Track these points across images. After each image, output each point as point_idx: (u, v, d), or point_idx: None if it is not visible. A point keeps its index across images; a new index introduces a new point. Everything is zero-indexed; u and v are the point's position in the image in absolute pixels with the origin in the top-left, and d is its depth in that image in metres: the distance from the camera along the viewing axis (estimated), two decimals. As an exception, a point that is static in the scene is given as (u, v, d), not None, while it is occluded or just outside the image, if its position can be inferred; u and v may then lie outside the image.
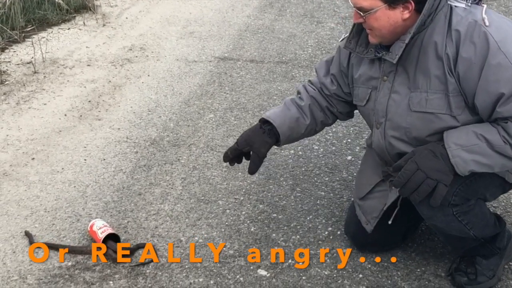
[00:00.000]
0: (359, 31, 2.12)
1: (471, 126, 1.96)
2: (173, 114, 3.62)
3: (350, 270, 2.31)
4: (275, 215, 2.65)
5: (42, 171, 3.00)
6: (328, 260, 2.36)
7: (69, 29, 5.16)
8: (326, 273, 2.29)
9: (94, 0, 5.75)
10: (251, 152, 2.31)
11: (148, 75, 4.21)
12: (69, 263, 2.35)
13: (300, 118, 2.36)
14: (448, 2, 1.97)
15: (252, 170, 2.31)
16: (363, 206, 2.33)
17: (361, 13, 1.99)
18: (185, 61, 4.48)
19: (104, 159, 3.11)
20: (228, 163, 2.36)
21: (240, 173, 2.95)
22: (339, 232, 2.52)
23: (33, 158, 3.11)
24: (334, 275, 2.28)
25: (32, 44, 4.62)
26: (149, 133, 3.38)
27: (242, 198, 2.77)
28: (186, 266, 2.33)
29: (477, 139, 1.91)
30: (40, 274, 2.29)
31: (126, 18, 5.50)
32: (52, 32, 5.05)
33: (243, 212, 2.67)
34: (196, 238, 2.49)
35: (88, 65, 4.37)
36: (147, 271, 2.30)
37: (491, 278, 2.20)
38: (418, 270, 2.30)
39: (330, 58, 2.38)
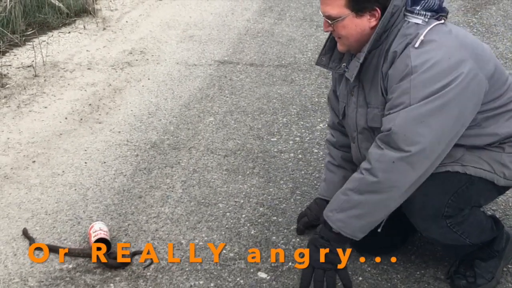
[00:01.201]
0: (331, 47, 2.16)
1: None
2: (173, 117, 3.63)
3: (350, 272, 2.30)
4: (275, 218, 2.66)
5: (42, 174, 3.01)
6: (328, 262, 2.37)
7: (69, 32, 5.18)
8: (326, 275, 2.30)
9: (94, 4, 5.77)
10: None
11: (148, 79, 4.22)
12: (70, 266, 2.35)
13: (345, 175, 2.40)
14: (405, 18, 1.98)
15: None
16: None
17: (329, 21, 2.02)
18: (185, 64, 4.50)
19: (105, 162, 3.12)
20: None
21: (240, 176, 2.97)
22: (338, 235, 2.53)
23: (34, 161, 3.12)
24: (334, 278, 2.29)
25: (33, 47, 4.63)
26: (149, 136, 3.39)
27: (242, 201, 2.78)
28: (187, 269, 2.34)
29: (343, 195, 1.99)
30: (41, 276, 2.30)
31: (126, 21, 5.52)
32: (52, 35, 5.07)
33: (243, 215, 2.68)
34: (197, 241, 2.50)
35: (89, 69, 4.38)
36: (148, 273, 2.31)
37: (490, 280, 2.21)
38: (418, 273, 2.31)
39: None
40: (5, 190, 2.86)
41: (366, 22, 1.98)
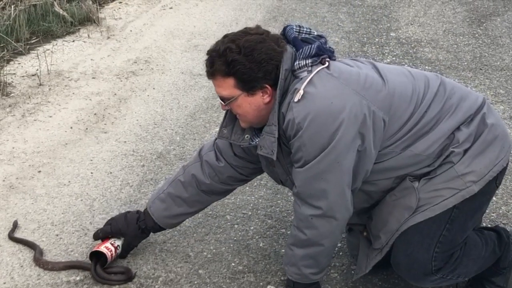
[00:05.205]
0: (232, 118, 2.11)
1: None
2: (179, 127, 3.61)
3: (361, 287, 2.29)
4: (283, 230, 2.63)
5: (48, 184, 2.98)
6: (338, 276, 2.34)
7: (73, 41, 5.16)
8: (336, 289, 2.28)
9: (99, 13, 5.75)
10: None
11: (153, 88, 4.20)
12: (78, 278, 2.33)
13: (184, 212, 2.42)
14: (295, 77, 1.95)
15: (123, 256, 2.43)
16: (348, 238, 2.38)
17: (223, 102, 2.00)
18: (190, 74, 4.48)
19: (111, 173, 3.09)
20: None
21: (247, 188, 2.94)
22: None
23: (39, 171, 3.10)
24: (345, 292, 2.27)
25: (37, 56, 4.61)
26: (155, 147, 3.37)
27: (250, 213, 2.76)
28: (195, 282, 2.31)
29: (289, 250, 2.08)
30: (48, 288, 2.27)
31: (131, 30, 5.50)
32: (56, 44, 5.04)
33: (252, 227, 2.65)
34: (205, 253, 2.48)
35: (93, 78, 4.36)
36: (156, 286, 2.29)
37: (503, 294, 2.19)
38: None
39: None
40: (11, 200, 2.84)
41: (260, 99, 1.96)
